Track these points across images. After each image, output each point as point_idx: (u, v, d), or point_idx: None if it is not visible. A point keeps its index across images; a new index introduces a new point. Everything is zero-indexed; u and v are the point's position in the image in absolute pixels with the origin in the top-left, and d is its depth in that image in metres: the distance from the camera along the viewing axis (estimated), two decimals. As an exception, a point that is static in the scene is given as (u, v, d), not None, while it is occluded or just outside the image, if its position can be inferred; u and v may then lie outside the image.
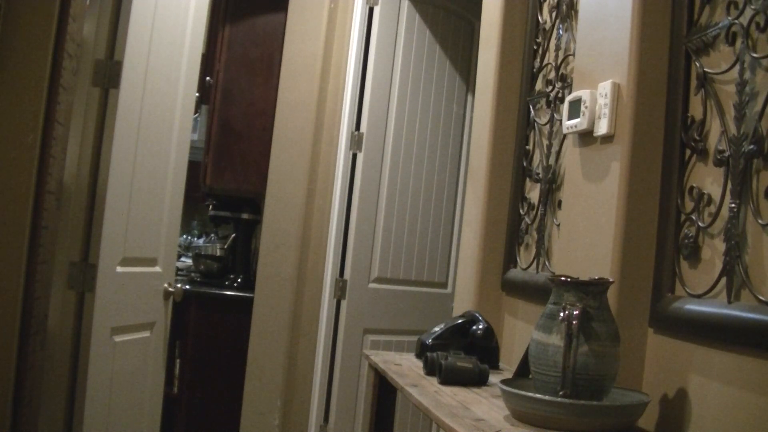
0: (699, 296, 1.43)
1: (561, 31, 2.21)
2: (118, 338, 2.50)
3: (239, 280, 4.07)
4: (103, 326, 2.40)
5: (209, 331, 3.78)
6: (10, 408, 2.08)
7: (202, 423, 3.73)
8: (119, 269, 2.48)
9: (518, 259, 2.36)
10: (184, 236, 5.24)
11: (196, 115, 4.36)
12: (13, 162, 2.11)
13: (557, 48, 2.22)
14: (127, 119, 2.44)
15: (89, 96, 2.39)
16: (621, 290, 1.59)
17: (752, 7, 1.36)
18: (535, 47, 2.41)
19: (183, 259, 4.70)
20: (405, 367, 1.99)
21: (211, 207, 4.26)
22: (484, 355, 1.98)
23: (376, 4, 3.59)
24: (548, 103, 2.25)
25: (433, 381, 1.83)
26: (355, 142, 3.57)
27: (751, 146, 1.33)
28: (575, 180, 1.84)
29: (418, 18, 3.71)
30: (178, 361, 3.79)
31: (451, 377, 1.81)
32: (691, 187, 1.51)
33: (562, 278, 1.44)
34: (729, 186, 1.38)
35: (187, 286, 3.57)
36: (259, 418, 3.54)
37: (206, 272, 4.18)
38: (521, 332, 2.25)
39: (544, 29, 2.35)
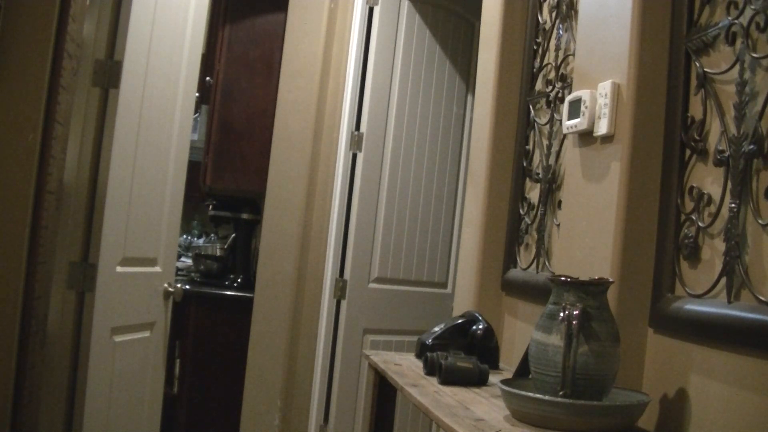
0: (699, 296, 1.43)
1: (561, 31, 2.21)
2: (118, 338, 2.50)
3: (239, 280, 4.07)
4: (103, 326, 2.40)
5: (209, 331, 3.79)
6: (10, 408, 2.08)
7: (202, 423, 3.73)
8: (119, 269, 2.48)
9: (518, 259, 2.36)
10: (184, 236, 5.24)
11: (196, 115, 4.36)
12: (13, 162, 2.11)
13: (557, 48, 2.22)
14: (127, 119, 2.44)
15: (89, 96, 2.39)
16: (621, 290, 1.59)
17: (752, 7, 1.36)
18: (535, 47, 2.41)
19: (183, 259, 4.70)
20: (405, 367, 1.99)
21: (211, 207, 4.26)
22: (484, 355, 1.98)
23: (376, 4, 3.59)
24: (548, 103, 2.25)
25: (433, 381, 1.83)
26: (355, 142, 3.57)
27: (751, 146, 1.33)
28: (575, 180, 1.84)
29: (418, 18, 3.71)
30: (178, 361, 3.79)
31: (451, 377, 1.81)
32: (691, 187, 1.51)
33: (562, 278, 1.44)
34: (729, 186, 1.38)
35: (187, 286, 3.57)
36: (259, 418, 3.54)
37: (206, 272, 4.18)
38: (521, 332, 2.25)
39: (544, 29, 2.35)
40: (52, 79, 2.15)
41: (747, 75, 1.36)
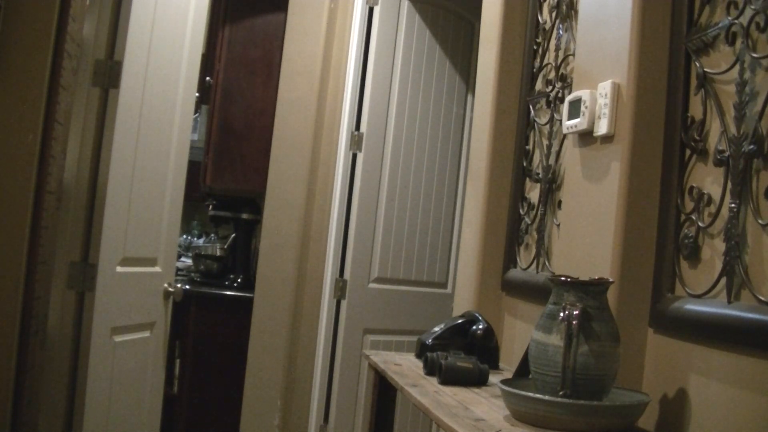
0: (699, 296, 1.43)
1: (561, 31, 2.21)
2: (118, 338, 2.50)
3: (239, 280, 4.07)
4: (103, 326, 2.40)
5: (209, 331, 3.79)
6: (10, 408, 2.08)
7: (202, 423, 3.73)
8: (119, 269, 2.48)
9: (518, 259, 2.36)
10: (184, 236, 5.24)
11: (196, 115, 4.36)
12: (13, 162, 2.11)
13: (557, 48, 2.22)
14: (127, 119, 2.44)
15: (89, 96, 2.39)
16: (621, 290, 1.59)
17: (752, 7, 1.36)
18: (535, 47, 2.41)
19: (183, 259, 4.70)
20: (405, 367, 1.99)
21: (211, 207, 4.26)
22: (484, 355, 1.98)
23: (376, 4, 3.59)
24: (548, 103, 2.25)
25: (433, 381, 1.83)
26: (355, 142, 3.57)
27: (751, 146, 1.33)
28: (575, 180, 1.84)
29: (418, 18, 3.71)
30: (178, 361, 3.79)
31: (451, 377, 1.81)
32: (691, 187, 1.51)
33: (562, 278, 1.44)
34: (729, 186, 1.38)
35: (187, 286, 3.57)
36: (259, 418, 3.54)
37: (206, 272, 4.18)
38: (521, 332, 2.25)
39: (544, 29, 2.35)
40: (52, 79, 2.15)
41: (747, 75, 1.36)
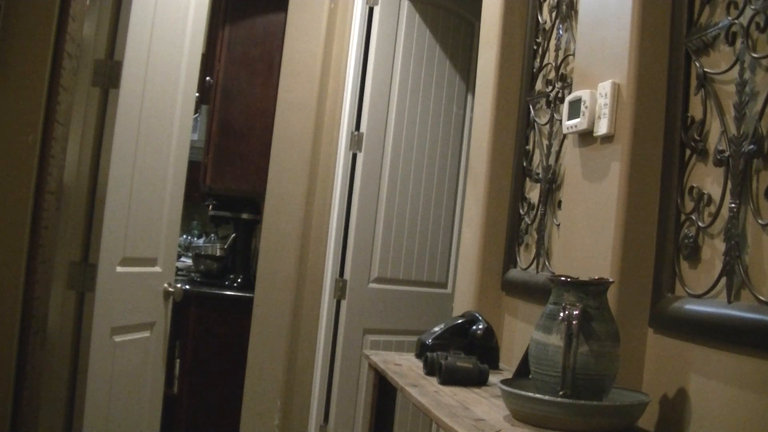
0: (699, 296, 1.43)
1: (561, 31, 2.21)
2: (118, 338, 2.50)
3: (239, 280, 4.07)
4: (103, 326, 2.40)
5: (209, 331, 3.79)
6: (10, 408, 2.08)
7: (202, 423, 3.73)
8: (119, 269, 2.48)
9: (518, 259, 2.36)
10: (184, 236, 5.24)
11: (196, 115, 4.36)
12: (13, 162, 2.11)
13: (557, 48, 2.22)
14: (127, 119, 2.44)
15: (89, 96, 2.39)
16: (621, 290, 1.59)
17: (752, 7, 1.36)
18: (535, 47, 2.41)
19: (183, 259, 4.70)
20: (405, 367, 1.99)
21: (211, 207, 4.26)
22: (484, 355, 1.98)
23: (376, 4, 3.59)
24: (548, 103, 2.25)
25: (433, 381, 1.83)
26: (355, 142, 3.57)
27: (751, 146, 1.33)
28: (575, 180, 1.84)
29: (418, 18, 3.71)
30: (178, 361, 3.79)
31: (451, 377, 1.81)
32: (691, 187, 1.51)
33: (562, 278, 1.44)
34: (729, 186, 1.38)
35: (187, 286, 3.57)
36: (259, 418, 3.54)
37: (206, 272, 4.18)
38: (521, 332, 2.25)
39: (544, 29, 2.35)
40: (52, 79, 2.15)
41: (747, 75, 1.36)
